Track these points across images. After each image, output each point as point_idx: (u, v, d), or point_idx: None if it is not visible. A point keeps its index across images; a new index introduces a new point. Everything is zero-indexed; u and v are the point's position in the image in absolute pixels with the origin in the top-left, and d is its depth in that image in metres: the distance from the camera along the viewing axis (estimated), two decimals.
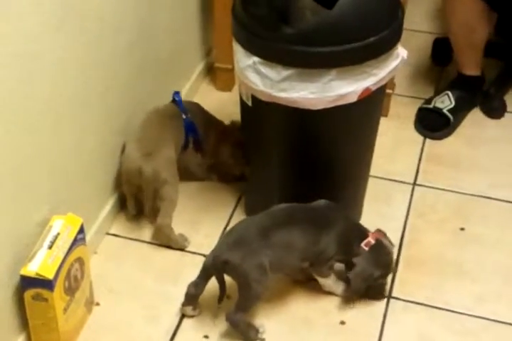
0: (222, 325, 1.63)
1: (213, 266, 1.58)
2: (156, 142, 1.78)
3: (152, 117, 1.85)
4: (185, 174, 1.93)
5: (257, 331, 1.61)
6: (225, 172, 1.98)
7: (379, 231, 1.71)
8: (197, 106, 1.97)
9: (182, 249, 1.81)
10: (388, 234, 1.84)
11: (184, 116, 1.87)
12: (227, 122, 1.99)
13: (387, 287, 1.71)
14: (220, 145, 1.94)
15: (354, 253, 1.64)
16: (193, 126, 1.89)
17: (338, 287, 1.70)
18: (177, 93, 1.92)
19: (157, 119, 1.85)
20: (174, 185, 1.78)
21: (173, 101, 1.91)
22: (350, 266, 1.64)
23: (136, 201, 1.86)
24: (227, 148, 1.93)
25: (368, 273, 1.64)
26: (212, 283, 1.61)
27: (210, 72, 2.34)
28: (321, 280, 1.67)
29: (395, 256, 1.79)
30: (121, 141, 1.82)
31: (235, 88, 2.20)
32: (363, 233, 1.67)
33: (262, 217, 1.62)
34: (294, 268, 1.65)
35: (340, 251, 1.63)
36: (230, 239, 1.59)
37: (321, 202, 1.67)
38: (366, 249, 1.64)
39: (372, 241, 1.65)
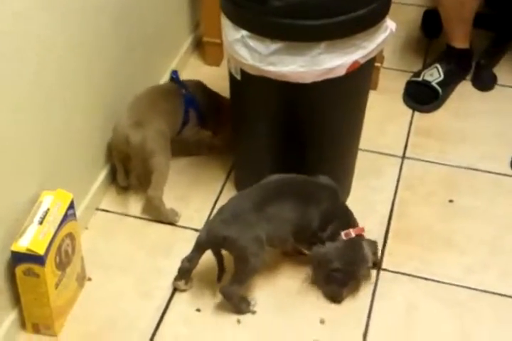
0: (214, 298, 1.62)
1: (209, 242, 1.56)
2: (147, 113, 1.76)
3: (148, 91, 1.84)
4: (184, 149, 1.92)
5: (248, 304, 1.60)
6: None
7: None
8: (199, 83, 1.94)
9: (173, 224, 1.79)
10: (377, 208, 1.86)
11: (184, 92, 1.85)
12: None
13: (344, 296, 1.63)
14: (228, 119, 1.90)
15: (329, 236, 1.60)
16: (193, 101, 1.86)
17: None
18: (174, 71, 1.91)
19: (153, 93, 1.83)
20: (164, 157, 1.76)
21: (171, 79, 1.90)
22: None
23: (126, 172, 1.84)
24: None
25: (327, 259, 1.59)
26: (209, 256, 1.60)
27: (199, 46, 2.31)
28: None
29: (382, 228, 1.80)
30: (110, 118, 1.79)
31: (224, 62, 2.17)
32: (349, 221, 1.63)
33: (254, 191, 1.60)
34: (284, 240, 1.63)
35: (321, 229, 1.60)
36: (225, 215, 1.56)
37: (320, 178, 1.65)
38: (344, 238, 1.60)
39: (353, 234, 1.60)
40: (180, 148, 1.86)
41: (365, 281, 1.65)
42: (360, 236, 1.62)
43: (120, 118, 1.76)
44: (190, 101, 1.86)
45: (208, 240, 1.56)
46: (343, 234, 1.59)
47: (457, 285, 1.68)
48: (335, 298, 1.63)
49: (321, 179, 1.66)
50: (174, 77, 1.90)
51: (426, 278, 1.69)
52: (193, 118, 1.88)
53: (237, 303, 1.59)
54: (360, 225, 1.69)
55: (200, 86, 1.93)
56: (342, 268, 1.59)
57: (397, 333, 1.58)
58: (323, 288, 1.64)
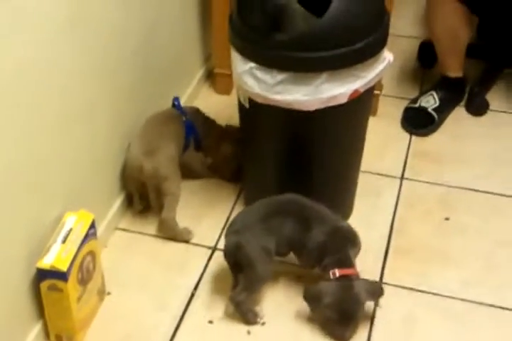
0: (225, 310, 1.66)
1: (227, 253, 1.61)
2: (157, 141, 1.81)
3: (153, 119, 1.88)
4: (188, 172, 1.96)
5: (256, 315, 1.63)
6: (225, 168, 2.00)
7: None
8: (196, 109, 1.99)
9: (186, 241, 1.84)
10: (378, 226, 1.88)
11: (184, 118, 1.90)
12: (224, 124, 2.02)
13: (348, 336, 1.59)
14: (221, 143, 1.97)
15: (323, 269, 1.60)
16: (193, 127, 1.92)
17: None
18: (176, 98, 1.95)
19: (158, 121, 1.88)
20: (175, 181, 1.81)
21: (173, 105, 1.94)
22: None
23: (142, 196, 1.88)
24: (228, 144, 1.97)
25: (319, 296, 1.56)
26: (222, 271, 1.64)
27: (210, 77, 2.36)
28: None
29: (383, 244, 1.83)
30: (127, 142, 1.85)
31: (233, 92, 2.21)
32: (342, 260, 1.58)
33: (260, 205, 1.65)
34: (283, 254, 1.66)
35: (317, 260, 1.61)
36: (235, 226, 1.63)
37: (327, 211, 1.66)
38: (331, 277, 1.57)
39: (337, 274, 1.56)
40: (183, 170, 1.89)
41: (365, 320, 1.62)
42: (347, 277, 1.57)
43: (131, 148, 1.81)
44: (190, 127, 1.91)
45: (225, 251, 1.61)
46: (330, 272, 1.58)
47: (455, 298, 1.70)
48: (339, 337, 1.59)
49: (328, 212, 1.66)
50: (176, 103, 1.93)
51: (425, 291, 1.72)
52: (192, 143, 1.93)
53: (245, 312, 1.62)
54: (362, 242, 1.73)
55: (197, 112, 1.98)
56: (334, 307, 1.55)
57: None
58: (325, 328, 1.61)
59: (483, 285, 1.74)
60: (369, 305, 1.63)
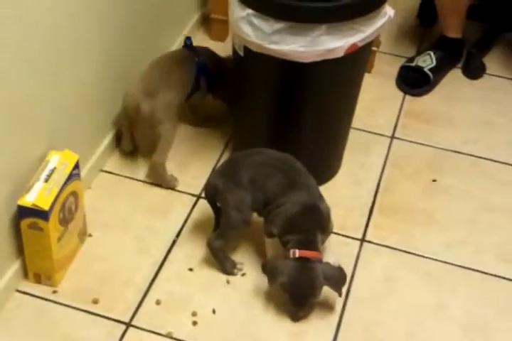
0: (206, 258, 1.63)
1: (206, 193, 1.58)
2: (159, 84, 1.73)
3: (161, 60, 1.81)
4: (193, 114, 1.93)
5: (234, 265, 1.60)
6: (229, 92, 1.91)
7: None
8: (208, 49, 1.91)
9: (171, 188, 1.80)
10: (365, 183, 1.85)
11: (197, 59, 1.82)
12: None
13: (300, 316, 1.53)
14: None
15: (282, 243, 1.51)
16: (205, 67, 1.83)
17: (268, 251, 1.60)
18: (188, 38, 1.86)
19: (166, 62, 1.80)
20: (170, 126, 1.75)
21: (185, 45, 1.86)
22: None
23: (132, 138, 1.83)
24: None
25: (276, 273, 1.48)
26: (205, 220, 1.60)
27: (206, 22, 2.28)
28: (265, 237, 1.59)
29: (368, 202, 1.80)
30: (119, 85, 1.78)
31: (229, 39, 2.16)
32: (307, 241, 1.48)
33: (255, 153, 1.58)
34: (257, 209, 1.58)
35: (280, 233, 1.51)
36: (223, 167, 1.59)
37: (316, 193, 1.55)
38: (291, 256, 1.47)
39: (297, 254, 1.46)
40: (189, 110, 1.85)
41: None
42: (307, 259, 1.46)
43: (132, 85, 1.74)
44: (203, 68, 1.82)
45: (206, 190, 1.58)
46: (291, 251, 1.47)
47: (435, 260, 1.69)
48: (291, 317, 1.53)
49: (315, 185, 1.56)
50: (188, 43, 1.85)
51: (406, 252, 1.70)
52: (203, 86, 1.85)
53: (222, 260, 1.59)
54: (348, 199, 1.70)
55: (209, 52, 1.89)
56: (287, 287, 1.47)
57: (375, 301, 1.59)
58: (282, 304, 1.54)
59: (465, 249, 1.72)
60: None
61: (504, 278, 1.65)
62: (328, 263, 1.50)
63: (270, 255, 1.58)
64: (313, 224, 1.51)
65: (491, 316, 1.58)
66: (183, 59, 1.82)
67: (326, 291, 1.51)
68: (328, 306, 1.57)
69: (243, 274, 1.61)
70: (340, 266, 1.53)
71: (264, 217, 1.56)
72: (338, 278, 1.50)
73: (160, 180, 1.79)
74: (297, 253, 1.47)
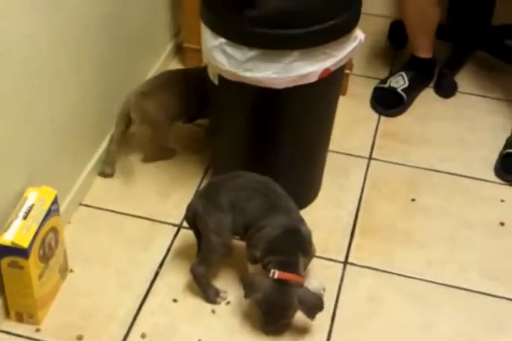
0: (190, 289, 1.61)
1: (186, 216, 1.58)
2: (156, 88, 1.79)
3: (168, 72, 1.88)
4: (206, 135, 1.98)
5: (217, 294, 1.58)
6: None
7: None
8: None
9: (152, 219, 1.77)
10: (345, 205, 1.85)
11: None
12: None
13: (269, 331, 1.53)
14: None
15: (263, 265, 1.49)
16: None
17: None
18: None
19: (170, 74, 1.87)
20: (160, 127, 1.80)
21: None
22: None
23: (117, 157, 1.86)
24: None
25: (252, 289, 1.47)
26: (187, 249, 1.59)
27: (179, 51, 2.28)
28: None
29: (349, 224, 1.79)
30: (96, 117, 1.77)
31: None
32: (288, 264, 1.46)
33: (232, 179, 1.57)
34: (236, 233, 1.56)
35: (262, 255, 1.49)
36: (202, 191, 1.60)
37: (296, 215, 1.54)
38: (270, 277, 1.45)
39: (276, 276, 1.44)
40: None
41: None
42: (286, 281, 1.45)
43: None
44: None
45: (186, 215, 1.58)
46: (271, 271, 1.46)
47: (418, 279, 1.68)
48: (262, 329, 1.53)
49: (295, 208, 1.56)
50: None
51: (389, 272, 1.69)
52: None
53: (205, 288, 1.57)
54: (329, 221, 1.69)
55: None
56: (261, 304, 1.47)
57: (361, 322, 1.59)
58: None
59: (446, 266, 1.72)
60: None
61: (489, 294, 1.65)
62: (306, 288, 1.48)
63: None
64: (295, 246, 1.49)
65: (479, 333, 1.57)
66: (197, 76, 1.78)
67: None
68: (315, 327, 1.55)
69: (228, 302, 1.59)
70: (323, 290, 1.52)
71: (246, 242, 1.55)
72: (312, 304, 1.47)
73: (157, 156, 1.88)
74: (276, 274, 1.45)
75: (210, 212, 1.52)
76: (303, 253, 1.50)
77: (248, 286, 1.50)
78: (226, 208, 1.52)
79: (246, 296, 1.51)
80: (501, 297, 1.65)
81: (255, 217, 1.52)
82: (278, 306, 1.47)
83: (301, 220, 1.55)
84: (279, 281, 1.45)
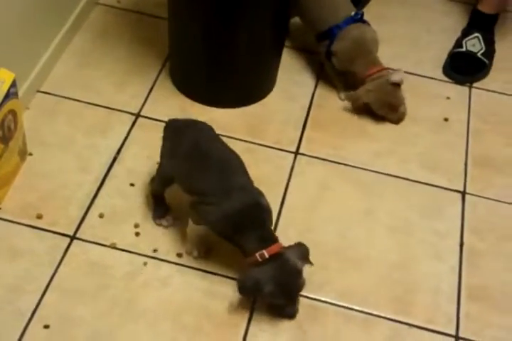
0: (147, 174, 1.63)
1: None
2: None
3: None
4: None
5: (162, 216, 1.54)
6: None
7: (299, 245, 1.40)
8: None
9: (109, 107, 1.76)
10: (299, 99, 1.86)
11: None
12: None
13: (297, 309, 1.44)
14: None
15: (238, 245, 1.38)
16: None
17: (191, 234, 1.49)
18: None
19: None
20: None
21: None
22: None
23: None
24: None
25: (258, 286, 1.35)
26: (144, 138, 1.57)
27: None
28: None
29: (302, 118, 1.81)
30: (54, 3, 1.71)
31: None
32: (263, 237, 1.36)
33: (200, 133, 1.45)
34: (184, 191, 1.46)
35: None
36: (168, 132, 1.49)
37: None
38: (260, 260, 1.35)
39: (266, 256, 1.35)
40: None
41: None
42: (277, 254, 1.36)
43: None
44: None
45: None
46: (257, 255, 1.35)
47: (364, 169, 1.73)
48: (289, 316, 1.43)
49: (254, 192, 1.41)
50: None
51: (338, 162, 1.74)
52: None
53: (153, 205, 1.55)
54: (282, 115, 1.69)
55: None
56: (278, 292, 1.35)
57: (309, 206, 1.64)
58: (273, 310, 1.43)
59: (391, 158, 1.76)
60: None
61: (427, 184, 1.72)
62: (290, 246, 1.40)
63: (190, 237, 1.49)
64: (263, 217, 1.39)
65: (415, 218, 1.65)
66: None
67: None
68: None
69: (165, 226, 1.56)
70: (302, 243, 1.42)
71: (191, 205, 1.42)
72: (305, 253, 1.40)
73: None
74: (266, 253, 1.35)
75: (167, 141, 1.45)
76: (270, 223, 1.41)
77: (253, 289, 1.36)
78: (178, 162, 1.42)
79: (257, 297, 1.42)
80: (438, 186, 1.71)
81: (205, 189, 1.39)
82: (292, 281, 1.38)
83: (260, 193, 1.41)
84: (273, 258, 1.36)
